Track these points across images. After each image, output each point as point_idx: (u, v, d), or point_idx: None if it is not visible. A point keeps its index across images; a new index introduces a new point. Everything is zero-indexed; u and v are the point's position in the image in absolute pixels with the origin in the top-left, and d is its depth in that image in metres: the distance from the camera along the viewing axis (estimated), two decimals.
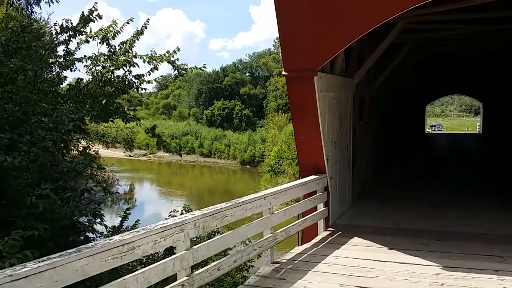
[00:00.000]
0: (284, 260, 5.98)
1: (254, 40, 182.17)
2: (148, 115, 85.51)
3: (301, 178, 7.20)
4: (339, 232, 7.40)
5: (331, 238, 7.11)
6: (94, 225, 9.38)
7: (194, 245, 4.39)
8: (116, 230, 13.19)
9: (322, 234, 7.27)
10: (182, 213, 11.44)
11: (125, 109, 9.92)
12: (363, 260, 5.96)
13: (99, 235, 8.78)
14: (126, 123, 9.88)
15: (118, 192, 34.60)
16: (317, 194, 7.15)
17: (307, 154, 7.26)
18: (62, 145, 8.04)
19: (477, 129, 51.33)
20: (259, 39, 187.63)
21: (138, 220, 12.95)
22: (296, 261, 5.98)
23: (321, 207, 7.31)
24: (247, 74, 79.97)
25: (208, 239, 5.82)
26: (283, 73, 6.60)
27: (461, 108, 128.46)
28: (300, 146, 7.28)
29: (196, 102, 78.73)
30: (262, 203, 5.48)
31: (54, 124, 7.30)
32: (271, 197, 5.66)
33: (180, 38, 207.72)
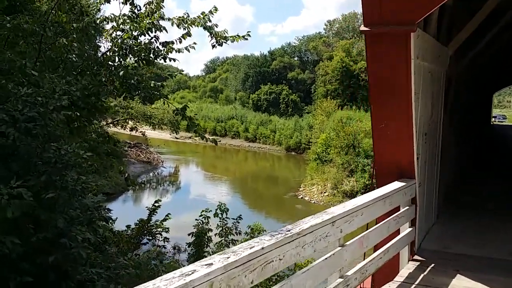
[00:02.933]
0: None
1: (304, 24, 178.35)
2: (196, 98, 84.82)
3: (379, 186, 5.02)
4: (432, 265, 5.13)
5: (422, 275, 4.86)
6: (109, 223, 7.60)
7: None
8: (144, 224, 11.51)
9: (407, 267, 5.04)
10: (216, 214, 9.51)
11: (151, 84, 8.03)
12: None
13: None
14: (150, 103, 8.00)
15: (143, 183, 33.75)
16: (402, 210, 4.93)
17: (389, 150, 5.01)
18: (59, 126, 6.19)
19: None
20: (308, 23, 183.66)
21: (169, 214, 11.22)
22: None
23: (405, 228, 5.08)
24: (296, 58, 77.14)
25: None
26: (362, 28, 4.39)
27: None
28: (378, 139, 5.04)
29: (242, 86, 77.07)
30: (329, 231, 3.35)
31: (45, 98, 5.45)
32: (341, 221, 3.52)
33: (229, 22, 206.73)
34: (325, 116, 50.32)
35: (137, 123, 40.93)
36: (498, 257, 5.55)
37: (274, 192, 40.47)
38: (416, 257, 5.34)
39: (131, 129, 39.88)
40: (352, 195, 32.73)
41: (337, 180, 34.19)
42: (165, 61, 8.00)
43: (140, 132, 41.40)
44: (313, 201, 34.20)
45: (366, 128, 37.76)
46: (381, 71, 4.55)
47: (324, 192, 34.92)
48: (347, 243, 3.69)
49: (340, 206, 3.73)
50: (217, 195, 36.19)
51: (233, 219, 9.14)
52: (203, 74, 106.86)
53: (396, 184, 4.75)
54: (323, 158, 38.69)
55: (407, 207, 5.02)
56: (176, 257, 18.86)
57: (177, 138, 67.95)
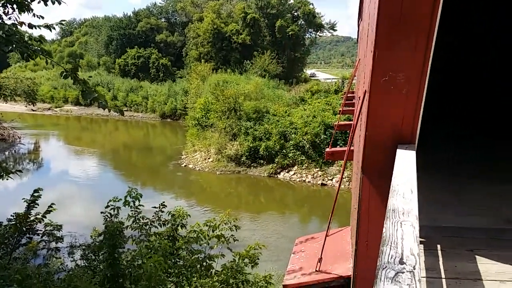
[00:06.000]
0: None
1: None
2: (51, 65, 76.32)
3: (371, 155, 3.94)
4: (439, 247, 4.23)
5: (441, 264, 3.93)
6: None
7: None
8: (22, 221, 9.15)
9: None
10: (126, 202, 7.56)
11: (25, 38, 5.85)
12: None
13: None
14: (27, 60, 5.84)
15: (19, 171, 29.46)
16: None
17: (390, 109, 3.88)
18: None
19: None
20: None
21: (53, 203, 9.11)
22: None
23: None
24: (163, 20, 73.50)
25: None
26: None
27: None
28: (376, 96, 3.85)
29: (106, 50, 71.33)
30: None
31: None
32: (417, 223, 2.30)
33: None
34: (200, 80, 48.81)
35: None
36: (496, 227, 4.88)
37: (156, 161, 38.37)
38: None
39: None
40: (237, 158, 32.25)
41: (220, 145, 33.35)
42: (46, 4, 5.80)
43: None
44: (197, 168, 33.07)
45: (246, 91, 37.30)
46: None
47: (208, 158, 33.94)
48: None
49: (398, 197, 2.50)
50: (86, 171, 32.90)
51: (154, 207, 7.35)
52: (59, 38, 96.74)
53: (409, 154, 3.68)
54: (203, 124, 37.44)
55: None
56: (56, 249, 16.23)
57: (33, 110, 60.84)
